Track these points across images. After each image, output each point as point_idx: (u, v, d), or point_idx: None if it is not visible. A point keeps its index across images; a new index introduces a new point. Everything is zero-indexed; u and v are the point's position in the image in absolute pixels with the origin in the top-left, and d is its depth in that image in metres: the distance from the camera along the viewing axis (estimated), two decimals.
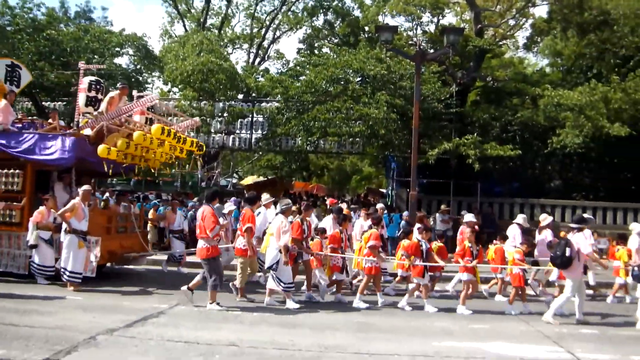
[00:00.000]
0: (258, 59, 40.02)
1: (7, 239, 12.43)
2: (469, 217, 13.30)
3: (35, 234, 11.73)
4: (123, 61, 31.89)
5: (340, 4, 34.54)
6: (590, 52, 24.88)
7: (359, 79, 22.46)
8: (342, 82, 21.91)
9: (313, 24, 35.58)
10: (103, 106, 12.69)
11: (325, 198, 24.69)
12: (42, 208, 12.02)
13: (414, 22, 27.66)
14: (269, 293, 10.83)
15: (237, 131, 26.53)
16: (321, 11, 35.15)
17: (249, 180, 36.39)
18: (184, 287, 10.39)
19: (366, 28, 28.50)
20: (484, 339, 8.67)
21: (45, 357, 6.19)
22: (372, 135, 21.22)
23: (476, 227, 12.39)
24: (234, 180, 36.59)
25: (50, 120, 15.02)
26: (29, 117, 16.19)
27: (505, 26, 27.12)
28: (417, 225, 12.67)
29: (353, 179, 47.53)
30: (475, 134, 20.49)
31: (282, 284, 10.58)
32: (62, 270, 11.53)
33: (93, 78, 13.04)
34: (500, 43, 27.95)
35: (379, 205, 16.80)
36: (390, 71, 21.21)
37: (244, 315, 9.86)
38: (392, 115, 20.17)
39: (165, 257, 15.21)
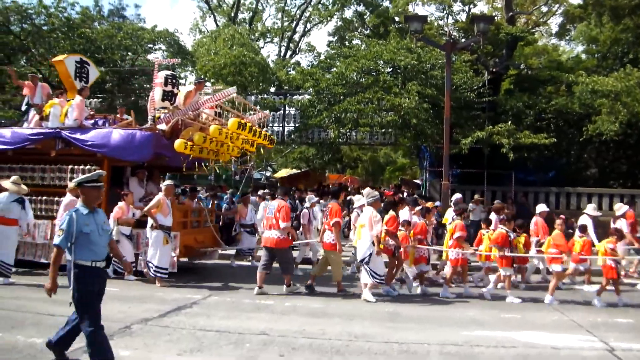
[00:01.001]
0: (289, 52, 40.22)
1: None
2: (542, 207, 13.50)
3: (117, 230, 11.67)
4: (156, 57, 32.37)
5: None
6: (626, 37, 24.39)
7: (389, 69, 22.39)
8: (373, 73, 21.86)
9: (343, 16, 35.57)
10: (179, 100, 12.76)
11: (382, 190, 24.65)
12: (121, 204, 12.01)
13: (445, 12, 27.44)
14: (369, 287, 10.66)
15: (270, 124, 26.71)
16: (352, 2, 35.12)
17: (283, 173, 36.59)
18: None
19: (396, 18, 28.34)
20: (516, 328, 8.63)
21: (80, 345, 6.35)
22: (404, 126, 21.15)
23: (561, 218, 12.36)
24: (268, 173, 36.85)
25: (118, 115, 15.46)
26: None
27: (538, 13, 26.75)
28: (500, 215, 12.69)
29: (387, 170, 47.42)
30: (509, 123, 20.25)
31: (376, 276, 10.54)
32: (149, 265, 11.56)
33: (169, 72, 13.03)
34: (533, 30, 27.56)
35: (457, 196, 16.16)
36: (420, 61, 21.09)
37: (275, 305, 9.98)
38: (424, 105, 20.06)
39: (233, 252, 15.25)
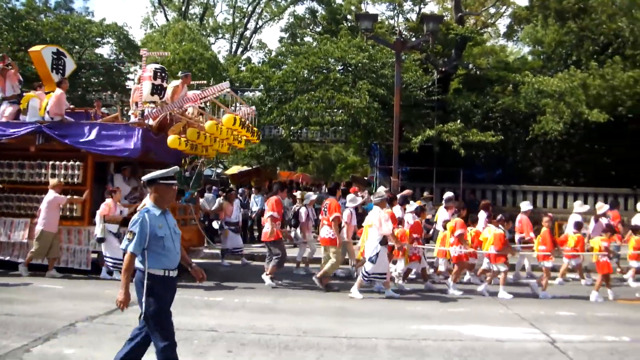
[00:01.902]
0: (240, 49, 39.99)
1: (67, 234, 12.03)
2: (526, 205, 13.99)
3: (103, 227, 11.32)
4: (104, 51, 31.76)
5: None
6: (570, 39, 25.04)
7: (340, 67, 22.45)
8: (324, 71, 21.89)
9: (295, 13, 35.56)
10: (167, 95, 12.44)
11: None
12: (109, 200, 11.57)
13: (395, 11, 27.70)
14: (358, 284, 10.77)
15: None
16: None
17: (234, 169, 36.23)
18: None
19: (348, 16, 28.45)
20: (462, 322, 8.78)
21: (24, 343, 6.19)
22: (355, 124, 21.27)
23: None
24: (219, 170, 36.48)
25: (95, 109, 14.81)
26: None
27: (486, 14, 27.25)
28: (490, 215, 12.80)
29: (338, 168, 47.60)
30: (458, 121, 20.57)
31: (371, 275, 10.61)
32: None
33: (158, 66, 12.61)
34: (482, 31, 28.06)
35: (448, 194, 15.48)
36: (371, 60, 21.22)
37: (225, 301, 9.92)
38: (374, 104, 20.19)
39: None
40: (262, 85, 22.97)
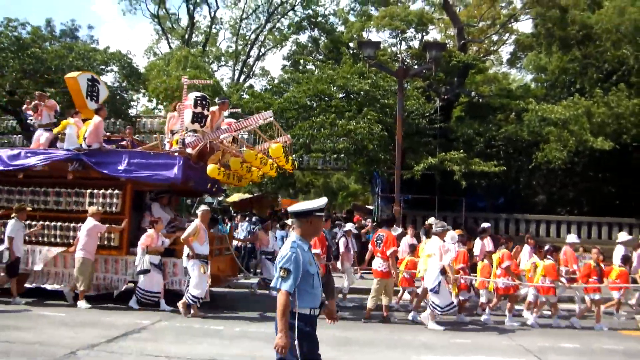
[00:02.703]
0: (243, 76, 40.06)
1: (103, 263, 11.73)
2: (572, 238, 13.76)
3: (147, 259, 11.05)
4: (108, 79, 31.82)
5: (324, 20, 34.71)
6: (574, 67, 24.99)
7: (342, 95, 22.37)
8: (326, 99, 21.80)
9: (298, 41, 35.69)
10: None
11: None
12: (151, 231, 11.32)
13: (398, 38, 27.73)
14: (430, 316, 10.70)
15: None
16: (306, 27, 35.29)
17: (235, 197, 36.09)
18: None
19: (350, 44, 28.49)
20: (465, 353, 8.61)
21: None
22: (357, 152, 21.11)
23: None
24: (220, 198, 36.31)
25: (127, 136, 14.71)
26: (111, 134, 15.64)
27: (489, 42, 27.25)
28: (535, 247, 12.76)
29: (339, 196, 47.43)
30: (460, 150, 20.41)
31: (437, 307, 10.56)
32: (186, 295, 10.81)
33: (199, 94, 12.30)
34: (484, 58, 28.04)
35: (485, 225, 15.25)
36: (374, 87, 21.14)
37: (225, 330, 9.75)
38: (377, 131, 20.05)
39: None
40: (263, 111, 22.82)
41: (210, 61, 39.11)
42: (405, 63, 23.00)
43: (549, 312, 11.99)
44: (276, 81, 30.03)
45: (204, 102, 12.14)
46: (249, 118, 12.28)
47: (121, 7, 42.52)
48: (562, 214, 22.71)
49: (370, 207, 31.54)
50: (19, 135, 25.54)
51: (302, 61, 31.80)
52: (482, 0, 25.51)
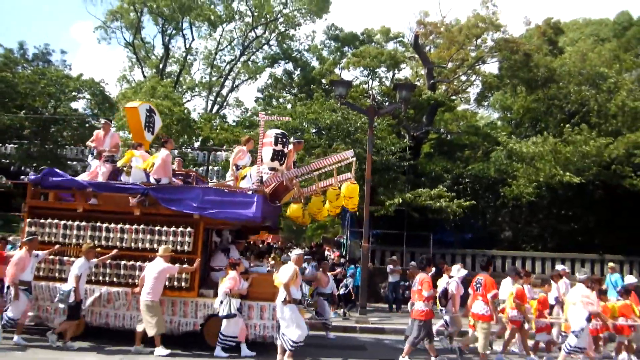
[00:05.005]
0: (217, 107, 40.26)
1: (170, 305, 11.09)
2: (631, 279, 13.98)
3: (233, 303, 10.43)
4: (79, 105, 31.85)
5: (299, 55, 35.27)
6: (538, 107, 25.83)
7: (314, 130, 22.71)
8: (298, 133, 22.11)
9: (273, 73, 36.13)
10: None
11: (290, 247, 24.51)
12: (233, 273, 10.78)
13: (369, 76, 28.32)
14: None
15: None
16: (281, 58, 35.80)
17: None
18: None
19: (323, 80, 28.98)
20: None
21: None
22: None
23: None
24: None
25: (175, 167, 13.76)
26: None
27: (458, 81, 27.98)
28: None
29: (309, 228, 47.36)
30: (429, 188, 20.82)
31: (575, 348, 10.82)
32: (285, 339, 10.14)
33: (279, 131, 11.89)
34: (453, 97, 28.77)
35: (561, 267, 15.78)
36: (345, 119, 21.47)
37: None
38: None
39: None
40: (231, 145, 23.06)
41: (184, 91, 39.31)
42: (376, 100, 23.49)
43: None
44: (249, 114, 30.36)
45: (284, 140, 11.75)
46: (329, 157, 12.12)
47: (96, 35, 42.60)
48: (527, 250, 23.20)
49: (340, 240, 31.72)
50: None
51: (276, 95, 32.24)
52: (451, 44, 26.26)
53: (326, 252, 21.23)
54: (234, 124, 28.12)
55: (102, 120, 13.28)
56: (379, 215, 20.70)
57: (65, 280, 10.89)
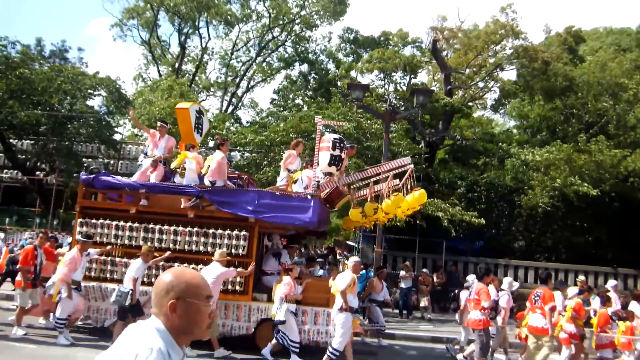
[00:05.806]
0: (232, 107, 40.25)
1: (224, 309, 11.03)
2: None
3: (286, 309, 10.34)
4: (95, 103, 31.91)
5: (314, 57, 35.19)
6: (556, 116, 25.60)
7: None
8: (312, 137, 21.96)
9: (288, 75, 36.06)
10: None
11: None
12: (288, 279, 10.60)
13: (386, 79, 28.18)
14: None
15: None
16: (295, 60, 35.74)
17: None
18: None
19: (339, 83, 28.87)
20: None
21: None
22: None
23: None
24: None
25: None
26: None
27: (475, 88, 27.77)
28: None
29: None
30: (445, 195, 20.64)
31: None
32: (329, 349, 9.94)
33: (336, 136, 11.89)
34: (470, 104, 28.58)
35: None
36: (359, 129, 21.31)
37: None
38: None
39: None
40: (248, 146, 22.96)
41: (199, 90, 39.33)
42: (392, 105, 23.35)
43: None
44: (264, 114, 30.28)
45: (341, 145, 11.74)
46: (385, 164, 12.07)
47: (112, 33, 42.72)
48: (540, 260, 22.98)
49: (351, 243, 31.58)
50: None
51: (291, 95, 32.15)
52: (469, 49, 26.08)
53: (338, 256, 21.01)
54: (247, 124, 28.04)
55: (159, 123, 13.06)
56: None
57: (115, 281, 10.99)
